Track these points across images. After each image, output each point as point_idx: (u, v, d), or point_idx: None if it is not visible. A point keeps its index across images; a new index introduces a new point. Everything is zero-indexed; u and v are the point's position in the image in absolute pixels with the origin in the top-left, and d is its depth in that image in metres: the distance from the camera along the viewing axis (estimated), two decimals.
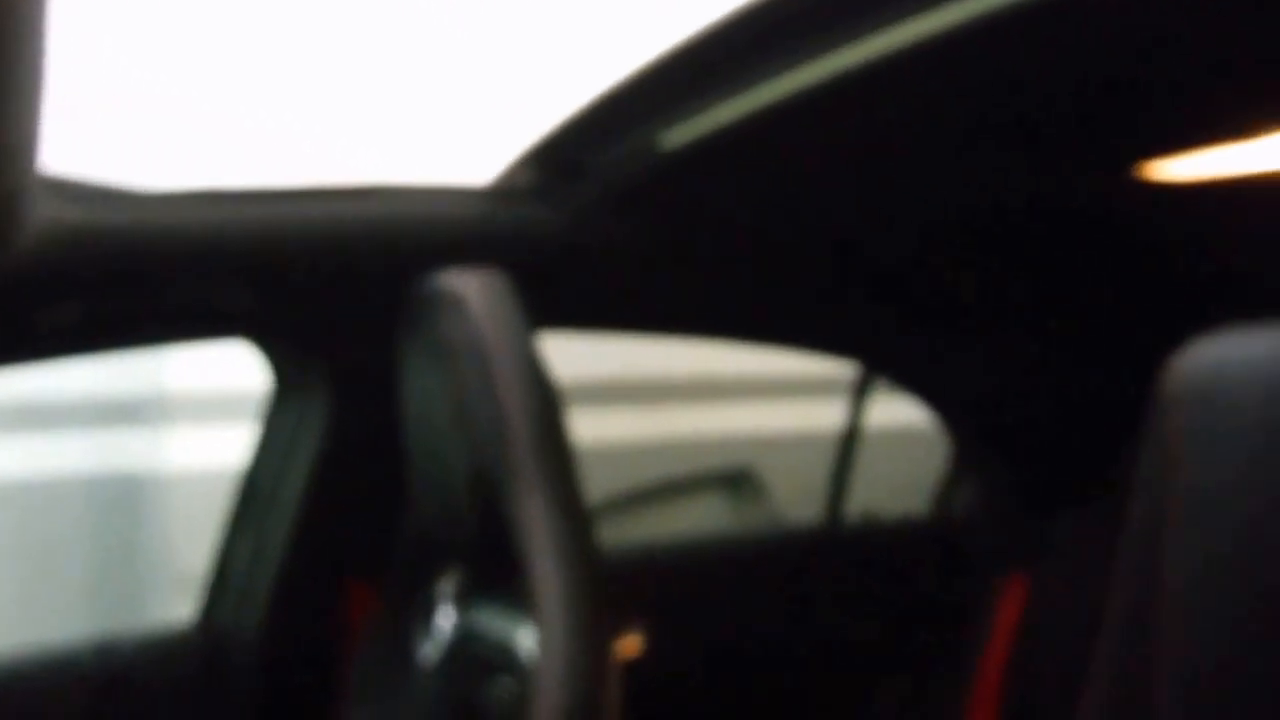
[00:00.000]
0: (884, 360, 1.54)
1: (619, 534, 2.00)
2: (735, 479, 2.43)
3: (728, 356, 2.73)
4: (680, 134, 1.10)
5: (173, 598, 1.87)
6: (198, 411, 2.07)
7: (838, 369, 1.64)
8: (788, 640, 1.46)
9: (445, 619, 1.09)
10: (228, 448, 1.46)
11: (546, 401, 0.92)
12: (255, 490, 1.27)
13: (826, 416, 1.77)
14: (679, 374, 2.71)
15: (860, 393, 1.60)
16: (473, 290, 0.95)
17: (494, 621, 1.01)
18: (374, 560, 1.19)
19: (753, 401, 2.71)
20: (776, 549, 1.61)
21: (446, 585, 1.10)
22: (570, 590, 0.84)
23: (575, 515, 0.87)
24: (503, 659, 0.96)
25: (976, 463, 1.60)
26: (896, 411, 1.73)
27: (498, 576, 0.97)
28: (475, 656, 1.03)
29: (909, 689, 1.48)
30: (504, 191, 1.26)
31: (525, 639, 0.91)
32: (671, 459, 2.46)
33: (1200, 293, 1.19)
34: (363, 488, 1.23)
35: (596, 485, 2.14)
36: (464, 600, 1.08)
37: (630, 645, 1.33)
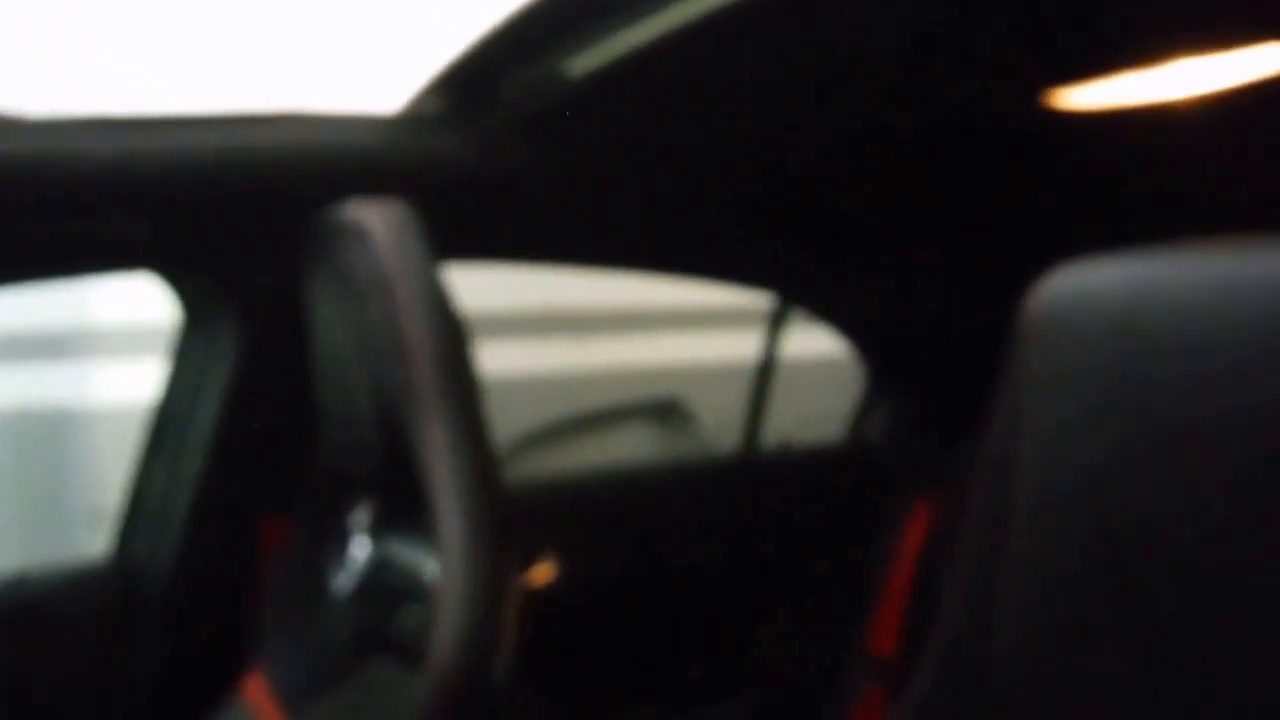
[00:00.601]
0: (797, 290, 1.55)
1: (548, 464, 2.01)
2: (663, 409, 2.44)
3: (657, 287, 2.73)
4: (588, 60, 1.09)
5: (95, 533, 1.86)
6: (121, 346, 2.03)
7: (764, 300, 1.65)
8: (702, 565, 1.49)
9: (359, 549, 1.09)
10: (151, 382, 1.45)
11: (450, 333, 0.92)
12: (167, 423, 1.26)
13: (754, 347, 1.79)
14: (609, 305, 2.71)
15: (776, 323, 1.61)
16: (375, 221, 0.93)
17: (406, 551, 1.02)
18: (287, 492, 1.18)
19: (682, 332, 2.73)
20: (693, 477, 1.63)
21: (360, 516, 1.10)
22: (469, 518, 0.84)
23: (477, 445, 0.87)
24: (414, 587, 0.96)
25: (888, 390, 1.63)
26: (818, 342, 1.75)
27: (409, 506, 0.97)
28: (388, 585, 1.04)
29: (816, 610, 1.51)
30: (411, 119, 1.24)
31: (434, 567, 0.92)
32: (601, 389, 2.47)
33: (1105, 220, 1.20)
34: (275, 420, 1.22)
35: (527, 416, 2.16)
36: (377, 530, 1.08)
37: (544, 572, 1.35)
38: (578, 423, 2.25)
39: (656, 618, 1.44)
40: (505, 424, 1.87)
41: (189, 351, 1.26)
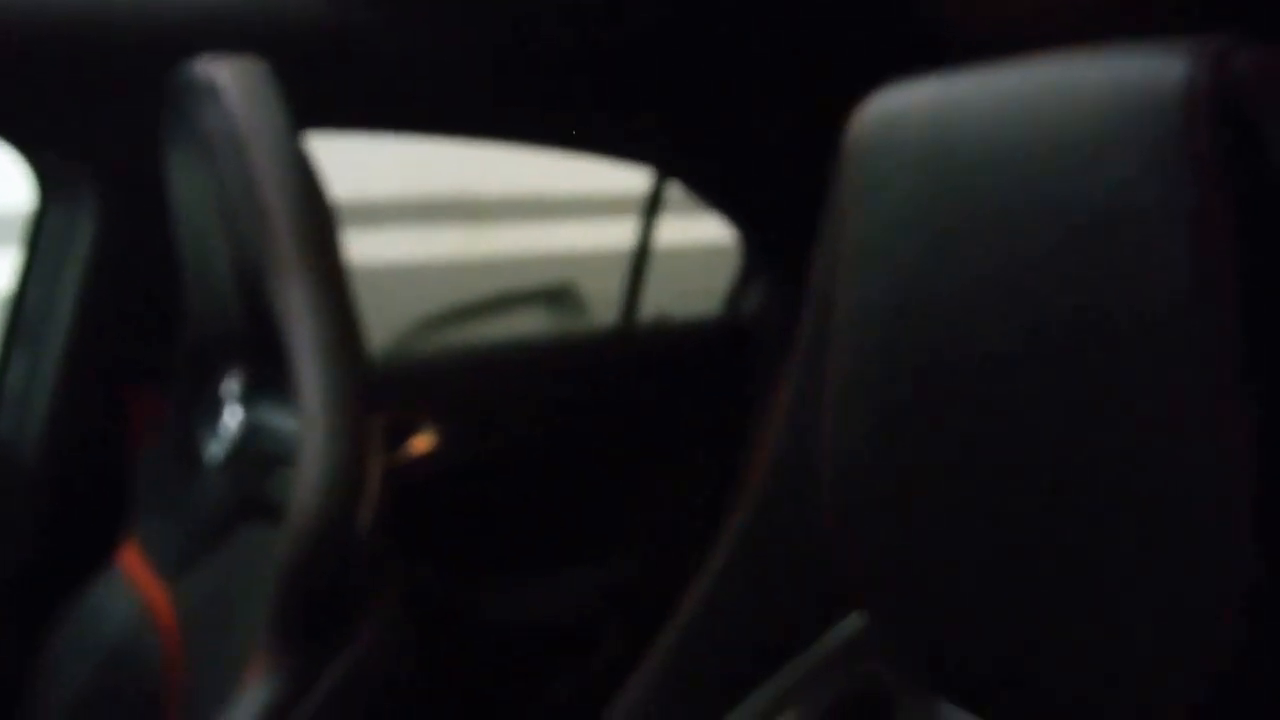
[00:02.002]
0: (670, 163, 1.56)
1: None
2: (556, 295, 2.45)
3: (553, 176, 2.71)
4: None
5: None
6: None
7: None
8: (579, 435, 1.51)
9: (231, 417, 1.09)
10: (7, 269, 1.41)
11: (307, 192, 0.91)
12: (28, 303, 1.23)
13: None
14: (505, 192, 2.69)
15: (653, 196, 1.62)
16: (229, 78, 0.92)
17: (276, 416, 1.02)
18: (157, 365, 1.17)
19: (578, 220, 2.72)
20: (571, 350, 1.65)
21: (231, 385, 1.10)
22: (327, 374, 0.85)
23: (336, 302, 0.88)
24: (285, 450, 0.97)
25: (764, 264, 1.65)
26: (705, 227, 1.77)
27: (278, 372, 0.97)
28: (259, 451, 1.05)
29: (691, 478, 1.55)
30: None
31: None
32: (496, 276, 2.47)
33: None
34: (140, 292, 1.20)
35: (422, 302, 2.14)
36: (248, 398, 1.08)
37: (422, 442, 1.37)
38: (470, 309, 2.24)
39: (534, 487, 1.46)
40: (399, 311, 1.87)
41: (48, 227, 1.23)
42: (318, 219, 0.93)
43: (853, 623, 0.53)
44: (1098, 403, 0.40)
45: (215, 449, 1.09)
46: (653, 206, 1.62)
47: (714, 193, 1.58)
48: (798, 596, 0.55)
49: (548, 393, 1.51)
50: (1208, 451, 0.38)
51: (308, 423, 0.85)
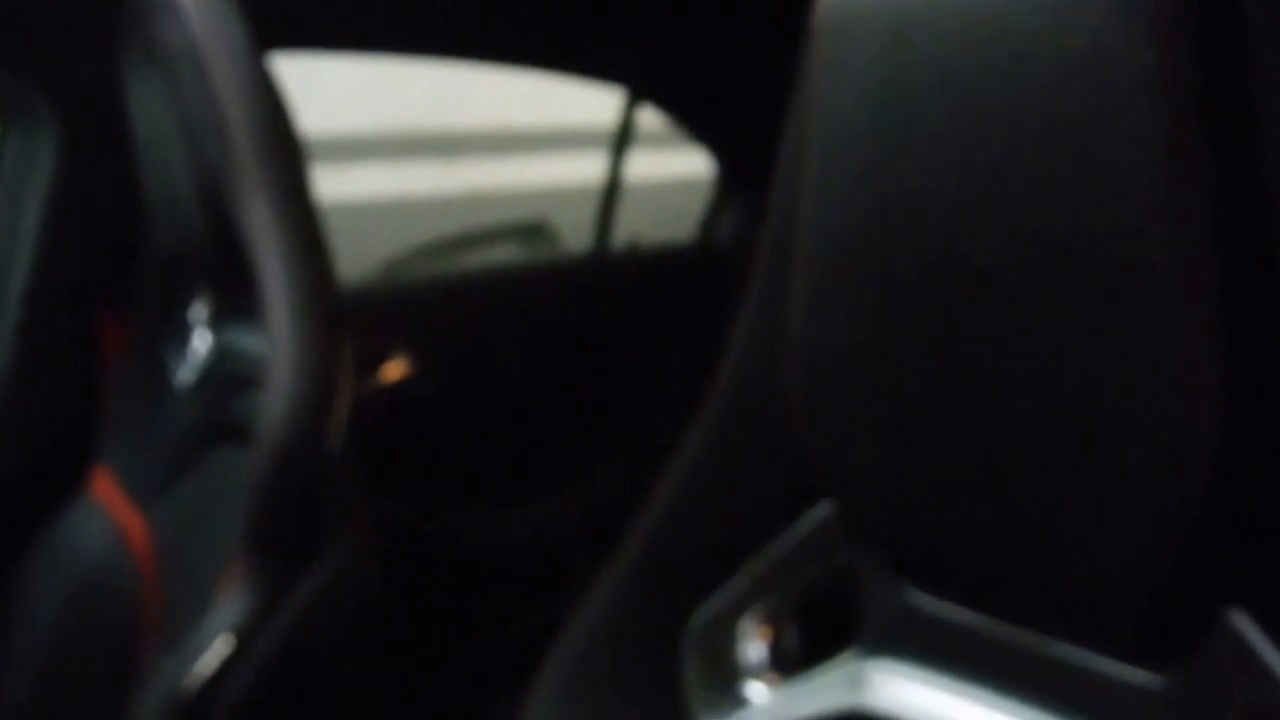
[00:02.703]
0: (643, 84, 1.54)
1: None
2: (530, 231, 2.43)
3: (525, 109, 2.68)
4: None
5: None
6: None
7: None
8: (551, 364, 1.51)
9: (200, 341, 1.09)
10: None
11: (270, 108, 0.90)
12: None
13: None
14: (478, 127, 2.66)
15: (625, 119, 1.60)
16: None
17: (246, 338, 1.02)
18: (123, 291, 1.16)
19: (550, 154, 2.70)
20: (543, 279, 1.64)
21: (199, 309, 1.09)
22: (294, 288, 0.84)
23: (300, 215, 0.87)
24: (254, 372, 0.96)
25: (738, 188, 1.64)
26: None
27: (246, 293, 0.96)
28: (229, 374, 1.04)
29: (663, 405, 1.55)
30: None
31: None
32: (469, 213, 2.45)
33: None
34: (104, 217, 1.18)
35: (392, 240, 2.13)
36: (217, 321, 1.07)
37: (394, 370, 1.36)
38: (442, 246, 2.23)
39: (507, 414, 1.46)
40: (369, 249, 1.85)
41: (8, 153, 1.20)
42: (281, 136, 0.91)
43: (821, 511, 0.53)
44: (1068, 274, 0.40)
45: (185, 374, 1.09)
46: (624, 130, 1.60)
47: (686, 113, 1.56)
48: (766, 488, 0.55)
49: (520, 321, 1.51)
50: (1175, 328, 0.38)
51: (276, 336, 0.84)
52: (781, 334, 0.52)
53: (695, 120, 1.57)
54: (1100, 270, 0.38)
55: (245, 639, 0.80)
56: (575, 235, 2.37)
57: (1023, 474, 0.43)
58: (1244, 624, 0.40)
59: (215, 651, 0.80)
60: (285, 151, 0.90)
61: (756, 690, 0.57)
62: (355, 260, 1.48)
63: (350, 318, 0.95)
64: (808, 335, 0.50)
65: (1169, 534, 0.39)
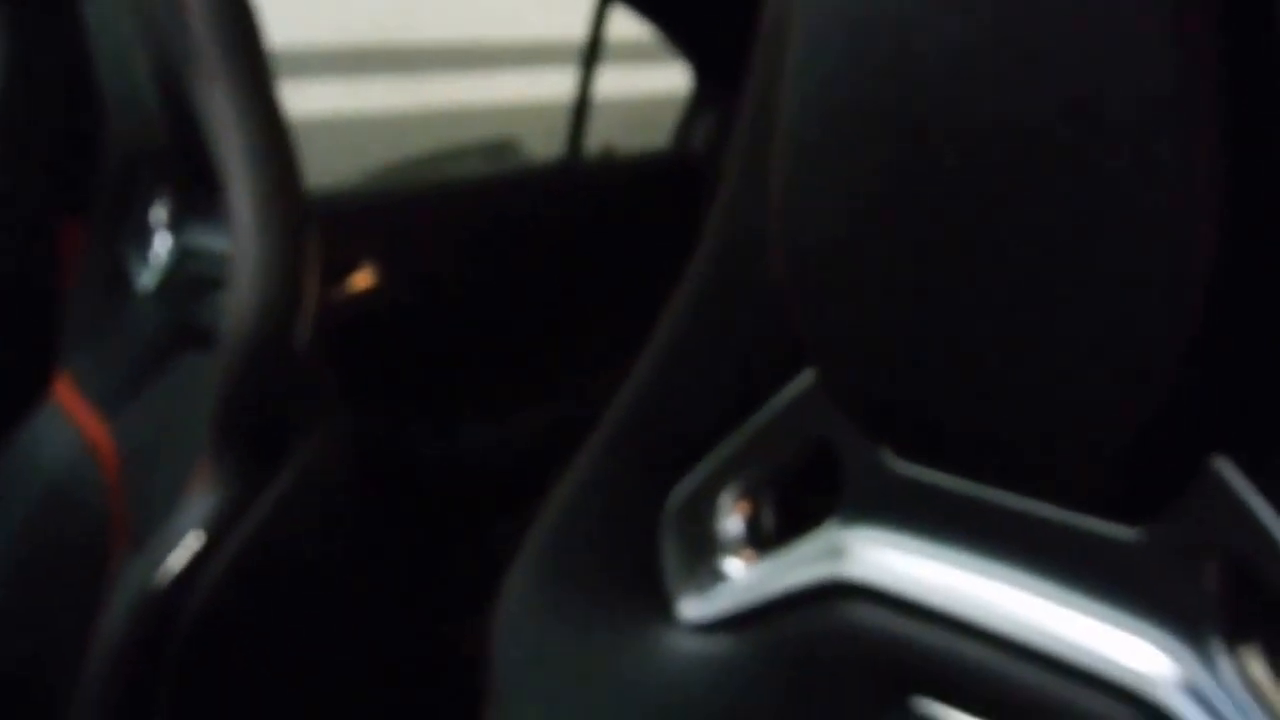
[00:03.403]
0: None
1: None
2: (497, 149, 2.40)
3: (492, 23, 2.63)
4: None
5: None
6: None
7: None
8: (522, 275, 1.49)
9: (161, 244, 1.07)
10: None
11: None
12: None
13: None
14: (444, 41, 2.61)
15: (597, 21, 1.57)
16: None
17: (207, 238, 1.00)
18: (82, 194, 1.14)
19: (517, 69, 2.65)
20: (514, 188, 1.62)
21: (159, 210, 1.07)
22: (258, 180, 0.82)
23: (263, 106, 0.84)
24: (217, 273, 0.95)
25: (713, 95, 1.62)
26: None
27: (207, 191, 0.94)
28: (192, 276, 1.02)
29: (638, 313, 1.54)
30: None
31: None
32: (434, 130, 2.41)
33: None
34: (60, 118, 1.15)
35: (354, 159, 2.10)
36: (177, 222, 1.05)
37: (362, 279, 1.34)
38: (407, 165, 2.20)
39: (478, 325, 1.45)
40: (330, 169, 1.82)
41: None
42: (244, 29, 0.88)
43: (799, 383, 0.53)
44: (1065, 121, 0.39)
45: (146, 277, 1.07)
46: (595, 37, 1.57)
47: (658, 13, 1.53)
48: (743, 362, 0.55)
49: (493, 230, 1.49)
50: (1176, 166, 0.37)
51: (240, 232, 0.82)
52: (764, 207, 0.51)
53: (666, 20, 1.54)
54: (1100, 111, 0.38)
55: (215, 536, 0.80)
56: (544, 153, 2.35)
57: (1007, 330, 0.43)
58: (1229, 471, 0.40)
59: (185, 549, 0.80)
60: (248, 45, 0.87)
61: (735, 566, 0.56)
62: (317, 180, 1.45)
63: (318, 224, 0.94)
64: (792, 203, 0.49)
65: (1153, 381, 0.39)
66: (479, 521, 1.43)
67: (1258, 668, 0.40)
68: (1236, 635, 0.40)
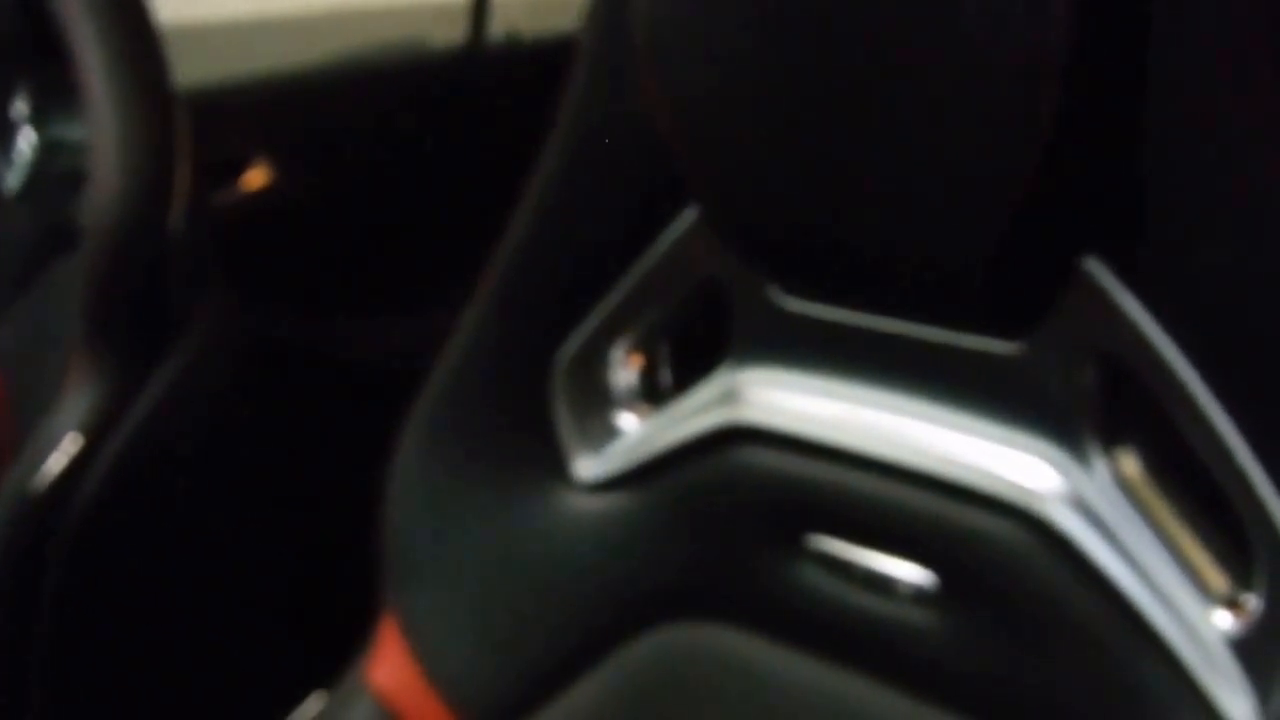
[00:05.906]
0: None
1: None
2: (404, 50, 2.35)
3: None
4: None
5: None
6: None
7: None
8: (423, 166, 1.47)
9: (24, 140, 1.03)
10: None
11: None
12: None
13: None
14: None
15: None
16: None
17: (75, 130, 0.97)
18: None
19: None
20: (413, 72, 1.59)
21: (20, 105, 1.04)
22: (115, 64, 0.80)
23: None
24: (84, 167, 0.92)
25: None
26: None
27: (70, 81, 0.91)
28: (61, 172, 1.00)
29: None
30: None
31: None
32: (339, 32, 2.35)
33: None
34: None
35: (262, 61, 2.03)
36: (41, 116, 1.02)
37: (254, 178, 1.31)
38: (325, 68, 2.13)
39: (377, 222, 1.42)
40: (239, 71, 1.76)
41: None
42: None
43: (682, 224, 0.53)
44: None
45: (11, 177, 1.04)
46: None
47: None
48: (622, 203, 0.55)
49: (391, 117, 1.45)
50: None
51: (99, 112, 0.80)
52: (633, 49, 0.51)
53: None
54: None
55: (95, 437, 0.79)
56: None
57: (878, 153, 0.43)
58: (1101, 273, 0.40)
59: (63, 451, 0.78)
60: None
61: (629, 420, 0.57)
62: None
63: (205, 120, 0.91)
64: (663, 40, 0.49)
65: (1011, 183, 0.40)
66: (374, 420, 1.42)
67: (1131, 466, 0.41)
68: (1112, 437, 0.41)
